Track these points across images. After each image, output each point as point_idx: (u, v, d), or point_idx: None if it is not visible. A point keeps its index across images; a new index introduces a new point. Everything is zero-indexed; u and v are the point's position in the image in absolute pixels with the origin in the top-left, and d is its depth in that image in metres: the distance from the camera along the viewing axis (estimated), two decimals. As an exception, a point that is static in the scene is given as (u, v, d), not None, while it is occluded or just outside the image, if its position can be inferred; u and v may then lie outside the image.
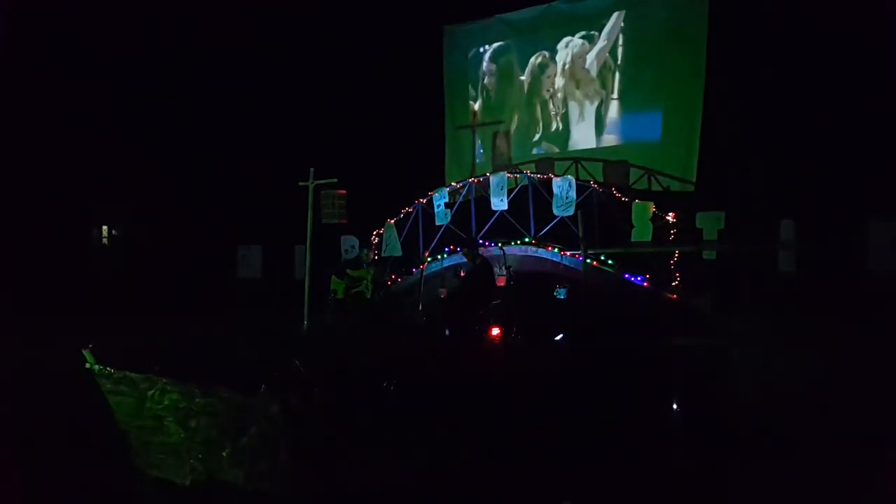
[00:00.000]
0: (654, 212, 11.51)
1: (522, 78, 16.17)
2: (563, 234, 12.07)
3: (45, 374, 7.86)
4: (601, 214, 12.03)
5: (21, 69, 15.77)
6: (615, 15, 14.80)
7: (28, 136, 15.98)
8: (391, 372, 7.06)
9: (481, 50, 16.92)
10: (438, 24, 17.22)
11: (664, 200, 12.27)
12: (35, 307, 12.70)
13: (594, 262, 11.35)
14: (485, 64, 16.84)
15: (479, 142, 16.56)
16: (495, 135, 16.65)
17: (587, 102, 15.27)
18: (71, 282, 14.85)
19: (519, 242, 12.51)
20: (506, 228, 12.85)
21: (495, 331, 9.59)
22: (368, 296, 11.34)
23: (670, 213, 11.54)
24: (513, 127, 16.29)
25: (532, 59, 16.03)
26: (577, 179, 12.74)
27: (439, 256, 13.29)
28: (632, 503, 4.64)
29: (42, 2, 15.55)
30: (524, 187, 12.95)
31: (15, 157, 15.64)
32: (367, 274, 11.41)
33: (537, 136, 16.03)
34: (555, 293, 10.72)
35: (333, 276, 11.85)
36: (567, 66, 15.51)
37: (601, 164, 14.73)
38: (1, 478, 5.13)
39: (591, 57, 15.18)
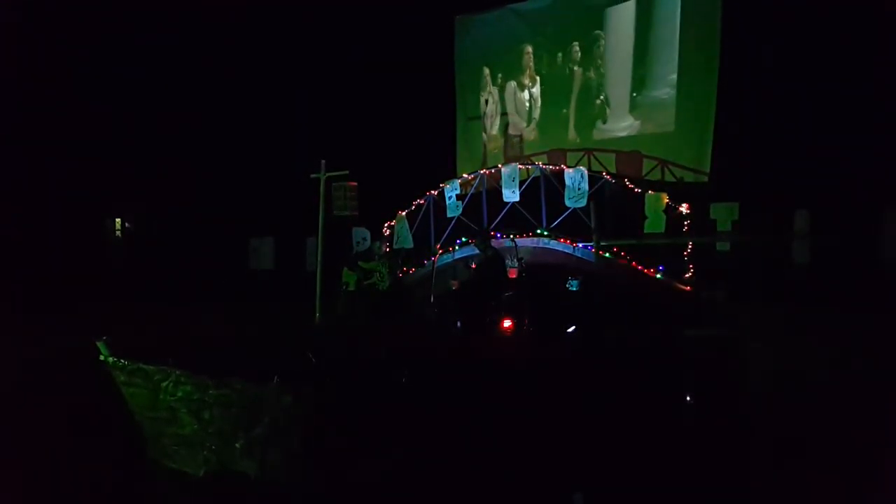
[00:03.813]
0: (667, 203, 11.44)
1: (534, 68, 16.09)
2: (575, 226, 12.01)
3: (59, 366, 7.92)
4: (614, 206, 11.97)
5: (35, 64, 15.86)
6: (627, 3, 14.69)
7: (41, 130, 16.07)
8: (403, 364, 7.06)
9: (493, 39, 16.85)
10: (450, 15, 17.15)
11: (677, 191, 12.20)
12: (48, 300, 12.79)
13: (606, 254, 11.29)
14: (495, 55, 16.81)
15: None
16: (506, 126, 16.61)
17: (599, 93, 15.18)
18: (84, 274, 14.94)
19: (531, 234, 12.46)
20: (518, 220, 12.80)
21: (507, 323, 9.57)
22: (384, 288, 11.34)
23: (684, 204, 11.46)
24: (524, 117, 16.21)
25: (543, 50, 15.95)
26: (589, 171, 12.68)
27: (451, 248, 13.26)
28: (645, 496, 4.62)
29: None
30: (536, 179, 12.89)
31: (28, 151, 15.75)
32: (380, 266, 11.41)
33: (551, 127, 15.98)
34: (567, 285, 10.67)
35: (345, 268, 11.85)
36: (579, 56, 15.41)
37: (614, 155, 14.65)
38: (15, 469, 5.16)
39: (603, 47, 15.08)
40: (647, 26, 14.44)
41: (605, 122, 15.15)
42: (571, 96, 15.60)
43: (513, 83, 16.27)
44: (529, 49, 16.02)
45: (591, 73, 15.30)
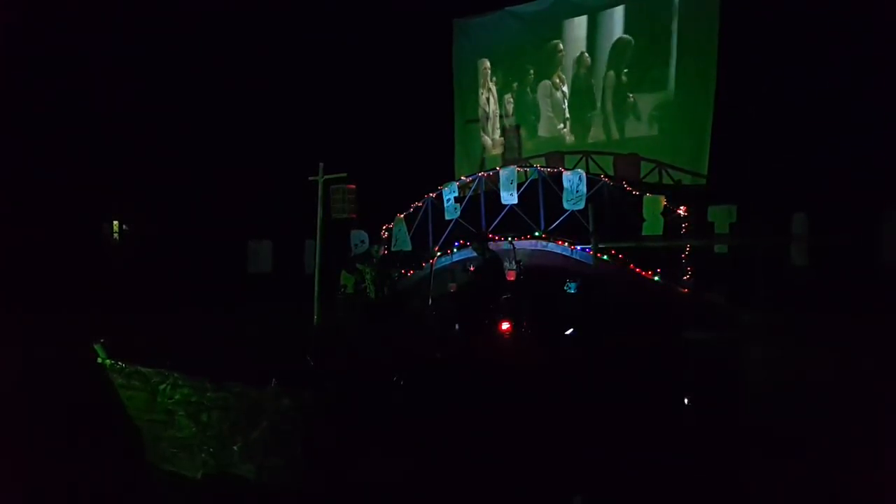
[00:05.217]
0: (665, 205, 11.44)
1: (532, 71, 16.11)
2: (573, 228, 12.02)
3: (57, 368, 7.90)
4: (612, 208, 11.98)
5: (32, 65, 15.84)
6: (625, 6, 14.71)
7: (38, 131, 16.05)
8: (401, 367, 7.05)
9: (491, 42, 16.86)
10: (448, 18, 17.16)
11: (676, 194, 12.21)
12: (45, 303, 12.76)
13: (604, 257, 11.31)
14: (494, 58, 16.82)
15: None
16: (505, 129, 16.61)
17: (598, 95, 15.19)
18: (81, 277, 14.90)
19: (529, 237, 12.47)
20: (516, 223, 12.81)
21: (505, 325, 9.56)
22: (372, 295, 11.30)
23: (682, 207, 11.47)
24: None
25: (542, 52, 15.97)
26: (587, 173, 12.68)
27: (449, 251, 13.26)
28: (644, 500, 4.61)
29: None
30: (534, 181, 12.90)
31: (25, 152, 15.73)
32: (367, 271, 11.34)
33: (545, 131, 15.98)
34: (565, 287, 10.67)
35: (344, 271, 11.83)
36: (577, 59, 15.43)
37: (612, 157, 14.66)
38: (13, 471, 5.15)
39: (601, 49, 15.10)
40: (646, 28, 14.43)
41: (602, 125, 15.16)
42: (571, 98, 15.61)
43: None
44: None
45: (589, 75, 15.31)
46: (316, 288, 11.04)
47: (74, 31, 16.09)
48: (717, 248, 11.43)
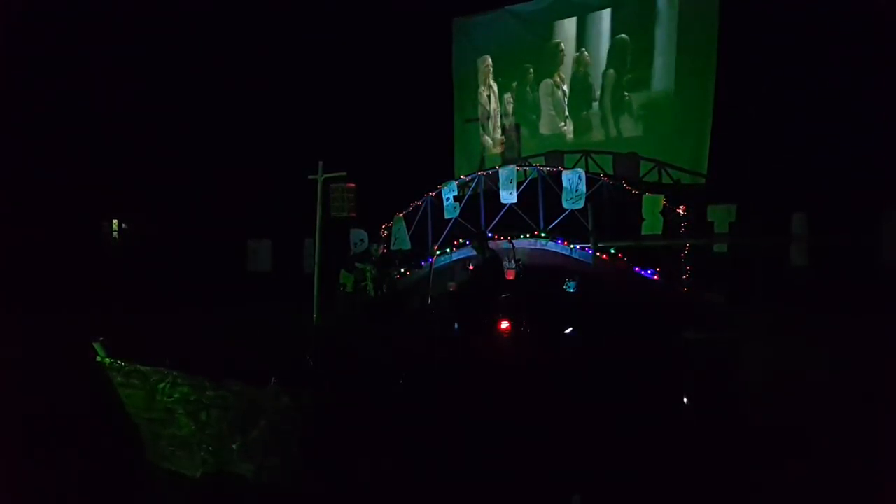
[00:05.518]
0: (664, 204, 11.43)
1: (532, 70, 16.10)
2: (572, 228, 12.02)
3: (56, 367, 7.90)
4: (611, 207, 11.98)
5: (32, 64, 15.84)
6: (623, 5, 14.70)
7: (38, 130, 16.04)
8: (401, 366, 7.05)
9: (491, 42, 16.86)
10: (448, 17, 17.16)
11: (675, 193, 12.21)
12: (45, 303, 12.76)
13: (604, 256, 11.30)
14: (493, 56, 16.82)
15: None
16: (505, 128, 16.60)
17: (597, 94, 15.19)
18: (80, 277, 14.90)
19: (528, 235, 12.46)
20: (515, 222, 12.80)
21: (505, 324, 9.55)
22: (371, 294, 11.31)
23: (681, 206, 11.46)
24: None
25: (541, 51, 15.97)
26: (586, 172, 12.68)
27: (448, 250, 13.26)
28: (644, 500, 4.61)
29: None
30: (533, 180, 12.90)
31: (26, 152, 15.73)
32: (367, 269, 11.34)
33: (547, 129, 15.97)
34: (564, 286, 10.66)
35: (343, 270, 11.81)
36: (576, 58, 15.43)
37: (611, 156, 14.66)
38: (11, 470, 5.15)
39: (600, 47, 15.10)
40: (645, 27, 14.43)
41: (601, 124, 15.17)
42: (570, 97, 15.62)
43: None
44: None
45: (589, 74, 15.31)
46: (315, 287, 11.04)
47: (74, 31, 16.08)
48: (716, 248, 11.42)
